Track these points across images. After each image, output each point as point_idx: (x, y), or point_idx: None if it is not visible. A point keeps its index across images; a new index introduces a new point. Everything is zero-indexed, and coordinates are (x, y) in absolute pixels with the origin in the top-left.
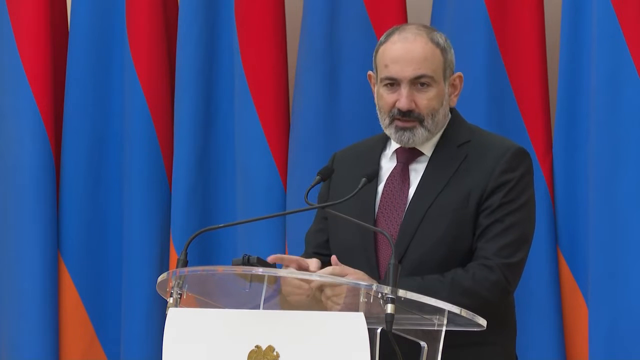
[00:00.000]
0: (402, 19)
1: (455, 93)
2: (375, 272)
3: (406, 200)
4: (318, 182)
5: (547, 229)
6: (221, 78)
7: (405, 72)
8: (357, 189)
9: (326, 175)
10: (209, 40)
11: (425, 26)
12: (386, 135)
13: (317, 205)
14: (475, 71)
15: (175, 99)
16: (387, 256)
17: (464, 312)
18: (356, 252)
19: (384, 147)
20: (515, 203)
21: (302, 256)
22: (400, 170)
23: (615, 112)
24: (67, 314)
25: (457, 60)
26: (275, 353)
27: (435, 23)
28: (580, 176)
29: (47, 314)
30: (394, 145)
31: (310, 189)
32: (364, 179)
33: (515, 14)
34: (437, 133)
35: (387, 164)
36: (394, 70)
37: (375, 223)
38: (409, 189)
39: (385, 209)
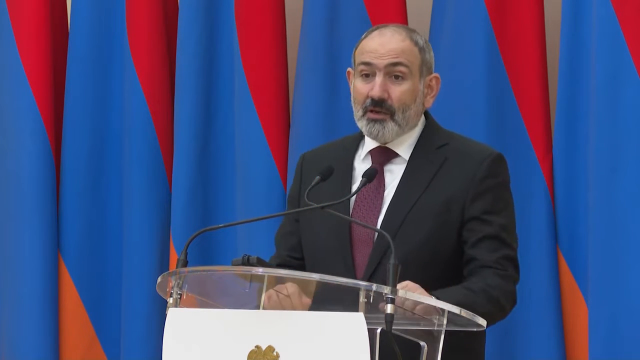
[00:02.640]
0: (402, 19)
1: (432, 94)
2: (351, 273)
3: (382, 202)
4: (318, 182)
5: (547, 229)
6: (221, 78)
7: (382, 58)
8: (357, 189)
9: (326, 175)
10: (209, 40)
11: (404, 26)
12: (359, 135)
13: (317, 205)
14: (475, 71)
15: (175, 99)
16: (363, 256)
17: (464, 312)
18: (331, 254)
19: (357, 148)
20: (503, 211)
21: (274, 258)
22: None
23: (615, 112)
24: (67, 314)
25: (457, 60)
26: (275, 353)
27: (435, 23)
28: (580, 176)
29: (47, 314)
30: (367, 146)
31: (310, 189)
32: (364, 179)
33: (515, 14)
34: (408, 132)
35: (361, 165)
36: (371, 57)
37: (350, 225)
38: (384, 190)
39: (361, 211)
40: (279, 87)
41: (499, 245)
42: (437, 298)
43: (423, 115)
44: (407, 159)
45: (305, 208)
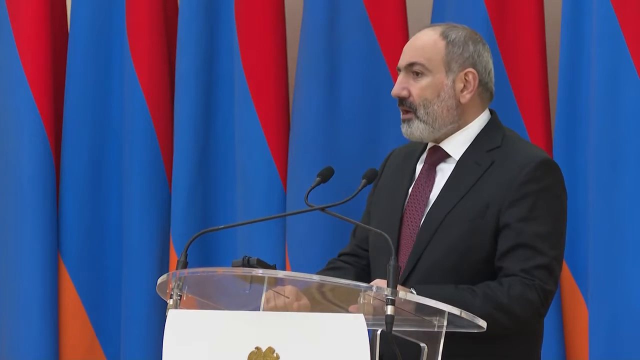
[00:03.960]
0: (402, 19)
1: (469, 90)
2: None
3: (427, 202)
4: (318, 184)
5: None
6: (221, 78)
7: (403, 59)
8: (357, 190)
9: (326, 176)
10: (209, 40)
11: (451, 24)
12: None
13: (317, 207)
14: None
15: (175, 99)
16: (404, 258)
17: (464, 314)
18: (381, 252)
19: (424, 148)
20: (541, 218)
21: (345, 248)
22: (425, 171)
23: (615, 112)
24: (67, 314)
25: None
26: (275, 354)
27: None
28: (580, 176)
29: (47, 314)
30: (428, 146)
31: (310, 190)
32: (363, 180)
33: (515, 14)
34: (442, 129)
35: (420, 165)
36: (400, 60)
37: (400, 224)
38: (431, 190)
39: (410, 211)
40: (279, 87)
41: (531, 254)
42: (418, 293)
43: (488, 112)
44: (457, 159)
45: (305, 210)
